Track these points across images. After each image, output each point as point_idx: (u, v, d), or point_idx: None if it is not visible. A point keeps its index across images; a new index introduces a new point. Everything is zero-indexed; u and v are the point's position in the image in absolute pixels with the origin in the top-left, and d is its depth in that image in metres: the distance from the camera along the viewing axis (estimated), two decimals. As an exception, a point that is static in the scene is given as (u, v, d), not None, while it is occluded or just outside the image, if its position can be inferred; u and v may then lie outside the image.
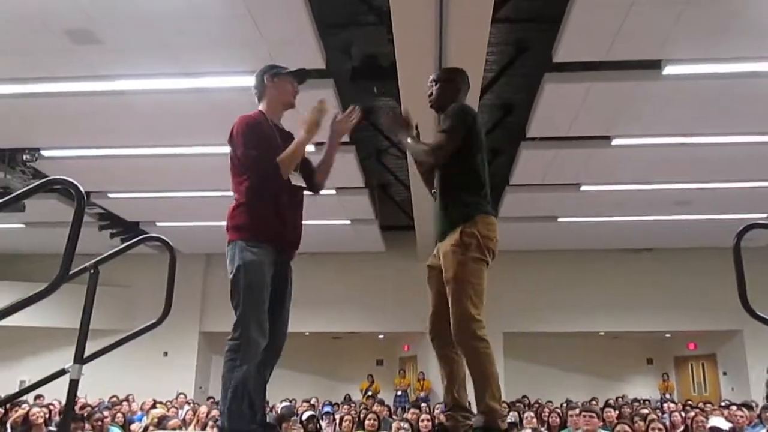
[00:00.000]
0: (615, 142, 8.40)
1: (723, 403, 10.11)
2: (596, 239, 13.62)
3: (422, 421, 7.11)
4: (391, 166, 10.70)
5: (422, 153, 2.96)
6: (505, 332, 14.15)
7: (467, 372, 2.79)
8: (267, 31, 5.94)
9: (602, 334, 15.56)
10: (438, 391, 13.34)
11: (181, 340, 14.24)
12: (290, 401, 11.59)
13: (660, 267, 14.31)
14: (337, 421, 8.01)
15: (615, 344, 16.46)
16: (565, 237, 13.31)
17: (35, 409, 6.31)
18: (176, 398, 11.58)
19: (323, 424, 7.89)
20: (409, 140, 3.05)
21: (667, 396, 14.89)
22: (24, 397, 7.57)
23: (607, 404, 9.30)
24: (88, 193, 9.54)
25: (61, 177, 2.54)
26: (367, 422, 7.01)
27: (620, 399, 13.12)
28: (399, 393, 15.00)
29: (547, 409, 8.68)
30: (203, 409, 8.34)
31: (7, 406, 7.18)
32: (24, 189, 2.57)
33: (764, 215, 10.75)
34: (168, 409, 9.37)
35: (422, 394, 13.97)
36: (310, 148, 2.90)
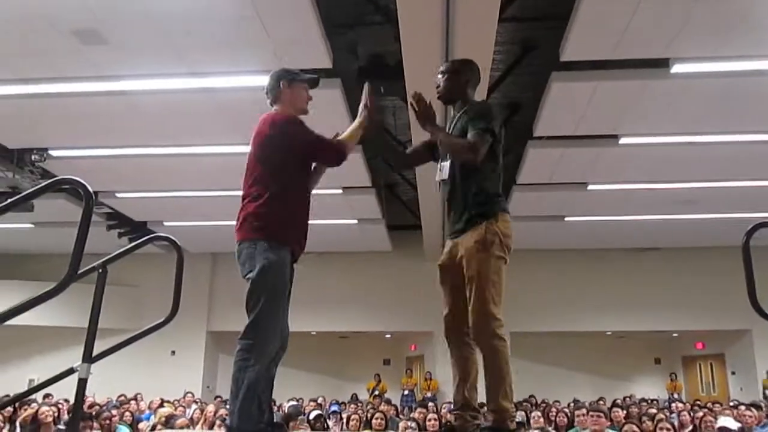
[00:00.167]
0: (622, 141, 8.36)
1: (732, 403, 10.08)
2: (603, 238, 13.58)
3: (429, 420, 7.12)
4: (398, 166, 10.69)
5: (464, 149, 2.83)
6: (512, 332, 14.07)
7: (479, 372, 2.78)
8: (274, 31, 5.94)
9: (609, 333, 15.51)
10: (445, 390, 13.34)
11: (188, 339, 14.29)
12: (297, 400, 11.60)
13: (668, 266, 14.24)
14: (345, 421, 8.02)
15: (622, 344, 16.41)
16: (572, 236, 13.27)
17: (44, 408, 6.34)
18: (184, 397, 11.62)
19: (330, 423, 7.90)
20: (442, 135, 2.98)
21: (675, 396, 14.84)
22: (33, 396, 7.61)
23: (614, 404, 9.27)
24: (96, 193, 9.58)
25: (70, 177, 2.55)
26: (374, 421, 7.02)
27: (628, 399, 13.08)
28: (406, 392, 15.00)
29: (554, 409, 8.66)
30: (211, 408, 8.38)
31: (17, 404, 7.22)
32: (32, 189, 2.58)
33: (773, 214, 10.70)
34: (176, 408, 9.40)
35: (429, 394, 13.96)
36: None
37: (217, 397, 12.64)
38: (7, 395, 9.16)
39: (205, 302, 14.88)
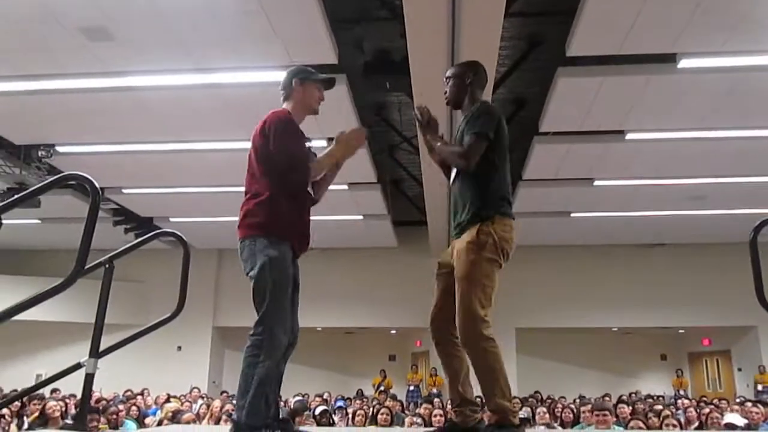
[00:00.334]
0: (629, 136, 8.33)
1: (738, 400, 10.06)
2: (610, 234, 13.54)
3: (435, 416, 7.13)
4: (404, 162, 10.69)
5: (455, 156, 2.89)
6: (517, 328, 14.14)
7: (470, 367, 2.78)
8: (280, 27, 5.94)
9: (615, 329, 15.49)
10: (450, 386, 13.34)
11: (194, 334, 14.35)
12: (303, 396, 11.64)
13: (674, 262, 14.20)
14: (350, 416, 8.04)
15: (628, 340, 16.39)
16: (578, 232, 13.25)
17: (51, 403, 6.37)
18: (190, 392, 11.67)
19: (336, 418, 7.92)
20: (438, 144, 3.02)
21: (681, 392, 14.82)
22: (40, 391, 7.65)
23: (620, 400, 9.26)
24: (102, 189, 9.60)
25: (76, 173, 2.57)
26: (379, 417, 7.03)
27: (634, 395, 13.08)
28: (411, 388, 15.03)
29: (560, 405, 8.65)
30: (217, 403, 8.40)
31: (24, 399, 7.26)
32: (39, 185, 2.59)
33: (781, 210, 10.65)
34: (182, 404, 9.45)
35: (435, 390, 13.98)
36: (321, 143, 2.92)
37: (223, 392, 12.69)
38: (15, 390, 9.25)
39: (211, 298, 14.93)
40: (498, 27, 5.56)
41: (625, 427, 6.20)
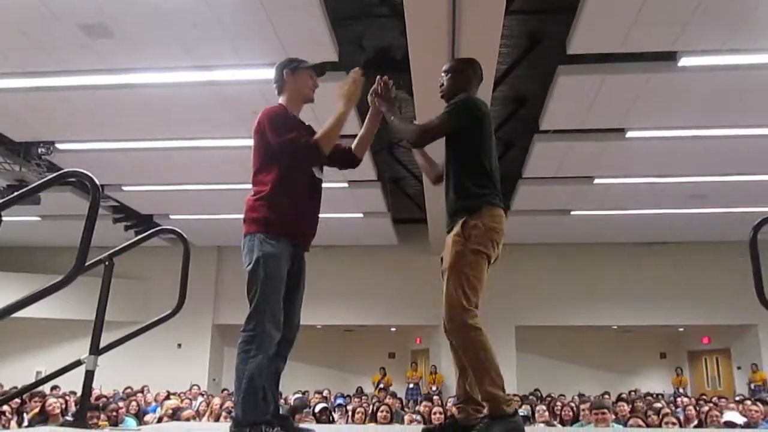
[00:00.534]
0: (629, 134, 8.33)
1: (737, 398, 10.06)
2: (610, 233, 13.54)
3: (434, 414, 7.13)
4: (404, 159, 10.69)
5: (409, 132, 2.92)
6: (517, 326, 14.15)
7: None
8: (280, 24, 5.94)
9: (615, 327, 15.49)
10: (450, 384, 13.36)
11: (194, 332, 14.35)
12: (303, 393, 11.66)
13: (674, 260, 14.20)
14: (350, 414, 8.04)
15: (628, 338, 16.39)
16: (578, 230, 13.25)
17: (52, 400, 6.38)
18: (190, 390, 11.68)
19: (336, 416, 7.92)
20: (393, 118, 3.01)
21: (681, 390, 14.82)
22: (40, 388, 7.66)
23: (619, 398, 9.27)
24: (102, 186, 9.59)
25: (76, 170, 2.57)
26: (379, 414, 7.04)
27: (633, 393, 13.08)
28: (411, 386, 15.04)
29: (559, 403, 8.66)
30: (217, 400, 8.41)
31: (25, 396, 7.27)
32: (39, 182, 2.59)
33: (781, 208, 10.65)
34: (182, 401, 9.46)
35: (434, 388, 13.99)
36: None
37: (223, 389, 12.70)
38: (15, 387, 9.25)
39: (211, 295, 14.93)
40: (498, 24, 5.56)
41: (625, 426, 6.20)
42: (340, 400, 10.57)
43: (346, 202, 11.08)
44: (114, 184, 10.64)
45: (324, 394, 11.33)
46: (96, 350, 3.05)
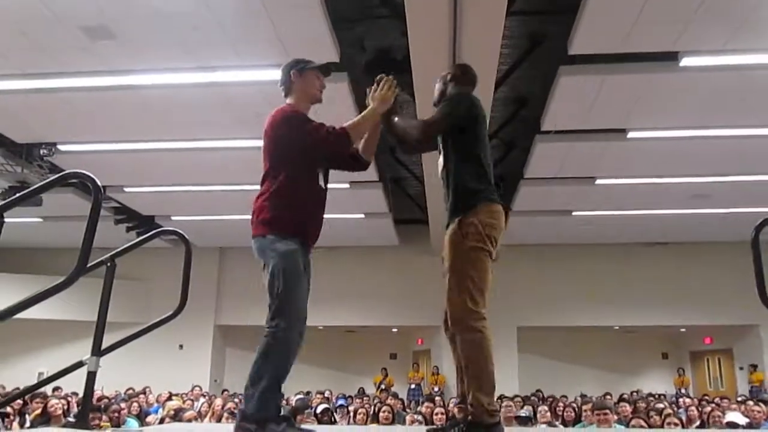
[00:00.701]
0: (631, 135, 8.32)
1: (739, 398, 10.05)
2: (611, 233, 13.53)
3: (436, 414, 7.13)
4: (405, 160, 10.69)
5: (413, 128, 2.96)
6: (519, 326, 14.14)
7: None
8: (281, 26, 5.94)
9: (617, 328, 15.47)
10: (452, 385, 13.35)
11: (196, 333, 14.36)
12: (304, 394, 11.65)
13: (676, 261, 14.19)
14: (352, 414, 8.04)
15: (630, 339, 16.37)
16: (579, 231, 13.23)
17: (54, 401, 6.38)
18: (191, 390, 11.68)
19: (337, 416, 7.92)
20: (396, 118, 3.03)
21: (683, 391, 14.79)
22: (42, 389, 7.67)
23: (621, 399, 9.25)
24: (104, 187, 9.63)
25: (78, 171, 2.57)
26: (381, 415, 7.04)
27: (635, 394, 13.07)
28: (413, 386, 15.03)
29: (561, 404, 8.65)
30: (219, 401, 8.40)
31: (27, 397, 7.27)
32: (41, 183, 2.59)
33: (783, 209, 10.62)
34: (184, 402, 9.45)
35: (436, 388, 13.98)
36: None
37: (224, 390, 12.70)
38: (17, 388, 9.27)
39: (212, 296, 14.94)
40: (500, 25, 5.56)
41: (627, 426, 6.19)
42: (341, 401, 10.57)
43: (348, 202, 11.08)
44: (116, 185, 10.65)
45: (326, 395, 11.33)
46: (98, 351, 3.06)
